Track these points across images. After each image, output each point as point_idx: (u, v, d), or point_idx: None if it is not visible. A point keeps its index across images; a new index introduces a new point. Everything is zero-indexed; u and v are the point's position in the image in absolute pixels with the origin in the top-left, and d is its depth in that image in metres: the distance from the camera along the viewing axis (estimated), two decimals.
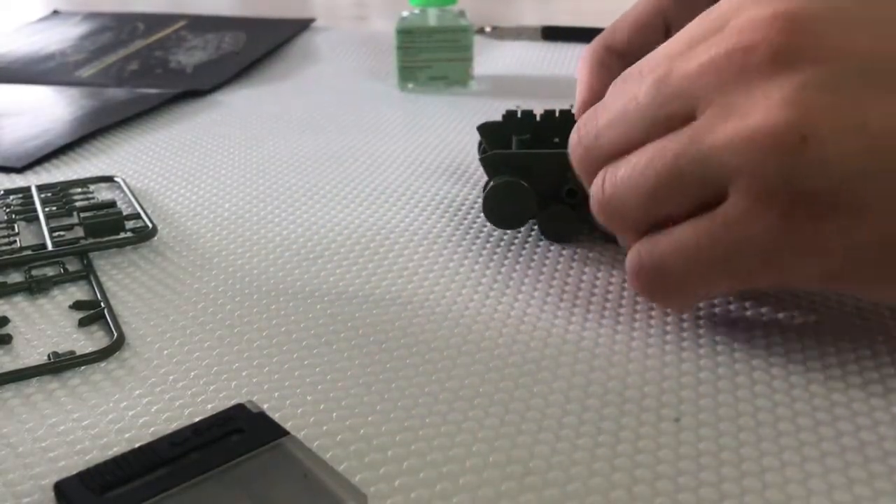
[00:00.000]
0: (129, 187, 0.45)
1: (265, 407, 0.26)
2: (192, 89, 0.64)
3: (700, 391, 0.27)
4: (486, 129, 0.41)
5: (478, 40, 0.75)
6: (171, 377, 0.29)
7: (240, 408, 0.25)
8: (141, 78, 0.69)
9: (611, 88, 0.30)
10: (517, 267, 0.35)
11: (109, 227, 0.39)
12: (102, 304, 0.33)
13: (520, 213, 0.37)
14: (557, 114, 0.41)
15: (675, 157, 0.26)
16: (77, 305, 0.33)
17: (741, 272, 0.26)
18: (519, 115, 0.41)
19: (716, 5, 0.28)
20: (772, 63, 0.24)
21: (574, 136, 0.31)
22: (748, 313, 0.31)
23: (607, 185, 0.28)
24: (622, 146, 0.28)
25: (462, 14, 0.63)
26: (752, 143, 0.24)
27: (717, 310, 0.32)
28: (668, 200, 0.27)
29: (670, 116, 0.27)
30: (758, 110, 0.24)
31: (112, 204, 0.43)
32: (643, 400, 0.26)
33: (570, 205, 0.37)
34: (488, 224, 0.39)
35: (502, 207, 0.37)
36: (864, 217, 0.24)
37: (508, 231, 0.39)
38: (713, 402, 0.26)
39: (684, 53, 0.27)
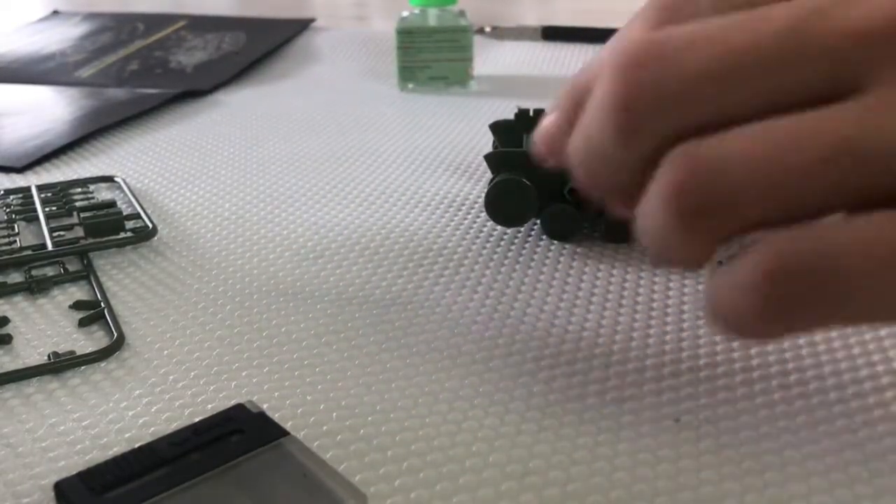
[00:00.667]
0: (129, 187, 0.45)
1: (265, 407, 0.26)
2: (192, 89, 0.64)
3: (700, 390, 0.27)
4: (498, 128, 0.41)
5: (478, 40, 0.75)
6: (171, 377, 0.29)
7: (240, 408, 0.25)
8: (141, 78, 0.69)
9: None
10: (517, 266, 0.35)
11: (109, 227, 0.39)
12: (102, 304, 0.33)
13: (522, 210, 0.37)
14: None
15: (834, 149, 0.18)
16: (77, 305, 0.33)
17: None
18: (531, 113, 0.41)
19: None
20: None
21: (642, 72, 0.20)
22: None
23: (709, 169, 0.19)
24: (728, 115, 0.19)
25: (462, 14, 0.63)
26: None
27: None
28: (804, 205, 0.19)
29: (810, 90, 0.19)
30: None
31: (112, 204, 0.43)
32: (644, 399, 0.26)
33: (573, 203, 0.37)
34: (489, 223, 0.39)
35: (504, 205, 0.37)
36: None
37: (510, 229, 0.39)
38: (713, 401, 0.26)
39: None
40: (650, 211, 0.20)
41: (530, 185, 0.36)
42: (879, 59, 0.18)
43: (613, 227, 0.37)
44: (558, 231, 0.37)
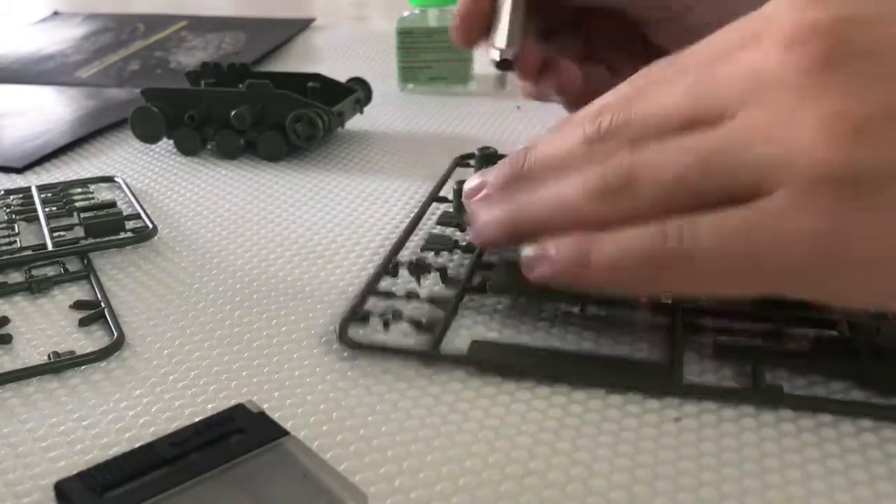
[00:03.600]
0: (129, 187, 0.45)
1: (265, 407, 0.26)
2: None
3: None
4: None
5: None
6: (172, 377, 0.29)
7: (240, 408, 0.25)
8: (141, 78, 0.69)
9: (635, 80, 0.29)
10: None
11: (109, 227, 0.39)
12: (102, 303, 0.33)
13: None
14: None
15: (710, 153, 0.25)
16: (77, 305, 0.33)
17: (782, 270, 0.24)
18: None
19: (745, 18, 0.27)
20: (819, 69, 0.24)
21: (577, 130, 0.28)
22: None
23: (636, 161, 0.26)
24: (651, 135, 0.26)
25: None
26: (800, 138, 0.23)
27: None
28: (688, 196, 0.25)
29: (704, 116, 0.26)
30: (805, 109, 0.23)
31: (112, 204, 0.43)
32: (644, 400, 0.26)
33: None
34: None
35: None
36: None
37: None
38: (714, 402, 0.26)
39: (726, 56, 0.26)
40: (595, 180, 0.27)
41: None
42: (746, 92, 0.25)
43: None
44: None
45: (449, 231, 0.38)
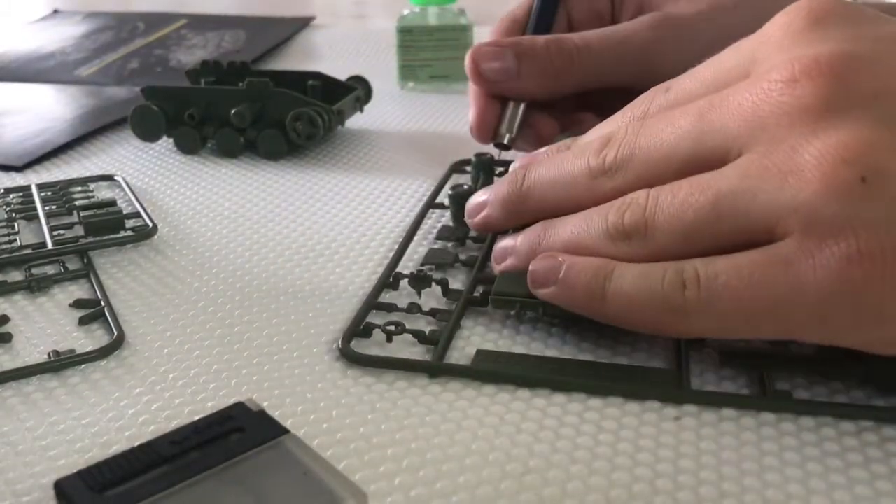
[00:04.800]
0: (129, 186, 0.45)
1: (265, 405, 0.26)
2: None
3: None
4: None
5: (478, 38, 0.74)
6: (171, 375, 0.29)
7: (240, 406, 0.25)
8: (141, 77, 0.69)
9: (633, 111, 0.30)
10: None
11: (109, 226, 0.39)
12: (102, 302, 0.33)
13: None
14: None
15: (718, 196, 0.25)
16: (77, 304, 0.33)
17: (792, 319, 0.24)
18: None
19: (737, 45, 0.28)
20: (824, 108, 0.23)
21: (580, 161, 0.29)
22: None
23: (649, 208, 0.26)
24: (656, 174, 0.27)
25: (462, 12, 0.63)
26: (808, 182, 0.23)
27: None
28: (703, 239, 0.25)
29: (707, 157, 0.26)
30: (811, 151, 0.23)
31: (112, 202, 0.43)
32: (644, 399, 0.26)
33: None
34: None
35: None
36: None
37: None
38: (713, 401, 0.26)
39: (725, 87, 0.26)
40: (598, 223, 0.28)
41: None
42: (749, 130, 0.25)
43: None
44: None
45: (450, 246, 0.37)
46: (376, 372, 0.28)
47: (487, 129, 0.42)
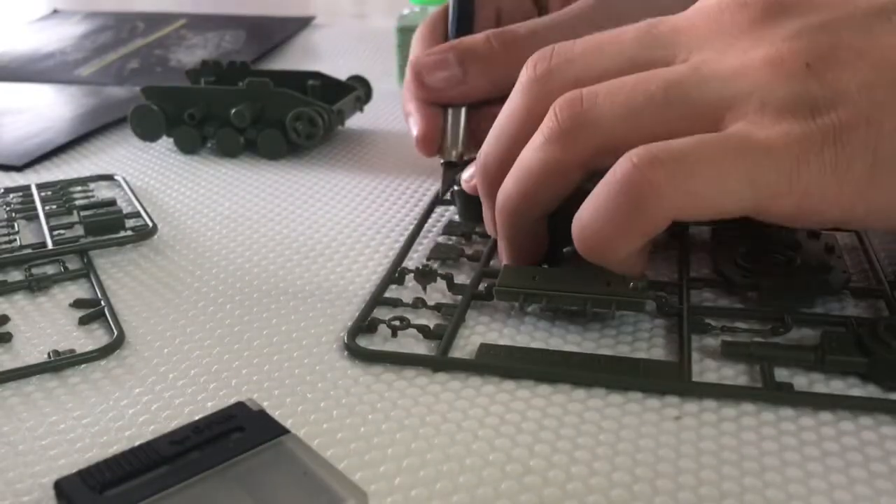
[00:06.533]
0: (129, 185, 0.45)
1: (265, 405, 0.26)
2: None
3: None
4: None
5: None
6: (171, 375, 0.28)
7: (240, 406, 0.25)
8: (141, 76, 0.69)
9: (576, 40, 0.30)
10: None
11: (109, 226, 0.39)
12: (102, 302, 0.33)
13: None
14: None
15: (668, 83, 0.26)
16: (77, 304, 0.33)
17: (762, 191, 0.25)
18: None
19: None
20: (768, 14, 0.26)
21: (530, 67, 0.30)
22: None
23: (585, 98, 0.27)
24: (595, 75, 0.28)
25: None
26: (758, 70, 0.25)
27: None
28: (653, 122, 0.26)
29: (653, 60, 0.27)
30: (760, 46, 0.26)
31: (112, 202, 0.43)
32: (644, 399, 0.26)
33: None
34: None
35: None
36: (881, 130, 0.24)
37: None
38: (714, 402, 0.26)
39: (669, 17, 0.28)
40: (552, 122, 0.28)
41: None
42: (696, 39, 0.27)
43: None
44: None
45: (454, 240, 0.38)
46: (376, 372, 0.28)
47: (436, 140, 0.40)
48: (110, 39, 0.80)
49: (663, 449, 0.24)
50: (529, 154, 0.29)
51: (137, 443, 0.24)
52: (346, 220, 0.41)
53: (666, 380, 0.27)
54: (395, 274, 0.34)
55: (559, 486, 0.23)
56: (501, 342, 0.30)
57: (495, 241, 0.34)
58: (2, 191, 0.45)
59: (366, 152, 0.51)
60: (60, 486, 0.22)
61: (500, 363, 0.28)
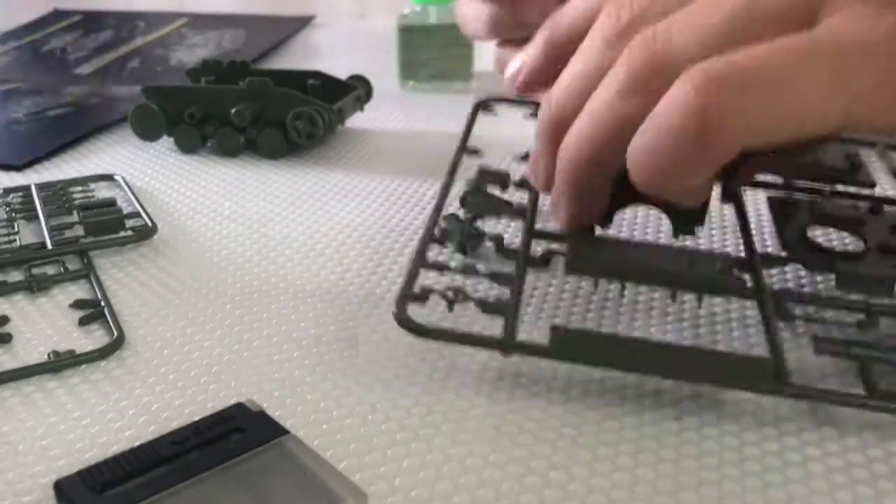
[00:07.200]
0: (128, 186, 0.45)
1: (265, 406, 0.26)
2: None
3: (701, 389, 0.27)
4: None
5: None
6: (171, 376, 0.28)
7: (239, 406, 0.25)
8: (141, 76, 0.69)
9: None
10: None
11: (109, 226, 0.39)
12: (102, 302, 0.33)
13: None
14: None
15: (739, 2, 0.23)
16: (77, 304, 0.33)
17: (857, 98, 0.22)
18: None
19: None
20: None
21: (612, 16, 0.26)
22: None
23: (660, 34, 0.24)
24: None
25: None
26: None
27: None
28: (740, 38, 0.23)
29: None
30: None
31: (112, 202, 0.42)
32: (644, 399, 0.26)
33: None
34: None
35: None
36: None
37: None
38: (714, 402, 0.26)
39: None
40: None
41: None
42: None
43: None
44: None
45: (486, 190, 0.34)
46: (376, 372, 0.28)
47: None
48: (110, 38, 0.80)
49: (664, 449, 0.24)
50: (604, 103, 0.25)
51: (137, 443, 0.24)
52: (346, 219, 0.41)
53: (763, 380, 0.24)
54: (435, 231, 0.30)
55: (560, 486, 0.23)
56: (569, 323, 0.27)
57: (537, 194, 0.30)
58: (2, 191, 0.45)
59: (366, 152, 0.51)
60: (60, 487, 0.22)
61: (578, 351, 0.25)
